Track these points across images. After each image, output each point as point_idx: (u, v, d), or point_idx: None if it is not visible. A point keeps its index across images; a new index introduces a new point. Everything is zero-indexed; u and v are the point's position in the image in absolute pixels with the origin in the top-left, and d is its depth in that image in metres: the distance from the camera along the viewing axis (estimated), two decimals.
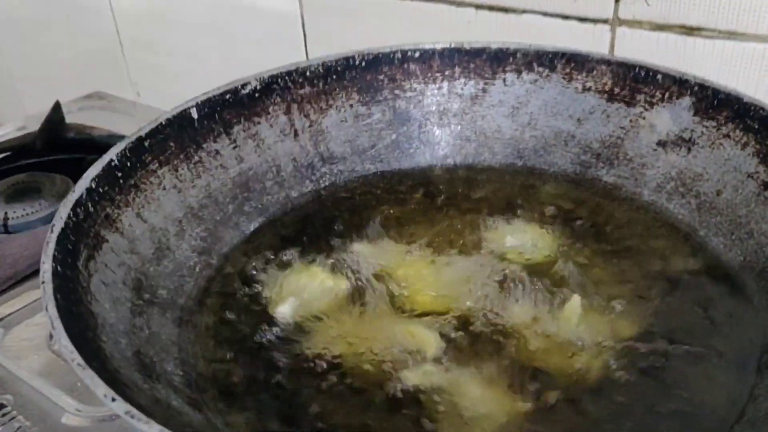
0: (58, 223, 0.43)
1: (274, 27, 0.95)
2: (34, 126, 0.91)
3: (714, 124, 0.54)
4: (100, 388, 0.32)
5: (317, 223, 0.58)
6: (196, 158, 0.55)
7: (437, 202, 0.60)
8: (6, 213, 0.76)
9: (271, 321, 0.48)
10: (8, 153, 0.87)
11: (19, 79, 1.41)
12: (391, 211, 0.59)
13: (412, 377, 0.43)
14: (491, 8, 0.76)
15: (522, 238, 0.55)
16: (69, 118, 0.95)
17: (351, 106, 0.62)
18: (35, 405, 0.55)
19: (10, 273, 0.67)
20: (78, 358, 0.34)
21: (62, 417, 0.54)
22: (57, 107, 0.90)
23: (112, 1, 1.13)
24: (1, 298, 0.65)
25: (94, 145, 0.88)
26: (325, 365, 0.45)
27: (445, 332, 0.46)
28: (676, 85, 0.56)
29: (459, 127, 0.64)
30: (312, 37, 0.92)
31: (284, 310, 0.49)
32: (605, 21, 0.70)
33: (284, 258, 0.54)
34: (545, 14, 0.73)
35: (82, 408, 0.54)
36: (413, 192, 0.61)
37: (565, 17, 0.72)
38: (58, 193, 0.79)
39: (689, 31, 0.66)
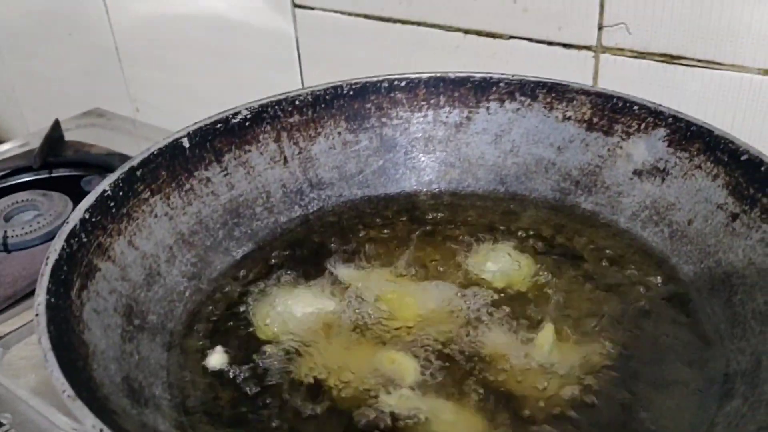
0: (53, 255, 0.45)
1: (269, 46, 0.97)
2: (37, 143, 0.93)
3: (687, 155, 0.56)
4: (89, 419, 0.34)
5: (305, 248, 0.60)
6: (188, 186, 0.57)
7: (422, 227, 0.62)
8: (5, 231, 0.78)
9: (258, 346, 0.50)
10: (8, 171, 0.89)
11: (22, 97, 1.44)
12: (377, 236, 0.60)
13: (391, 402, 0.45)
14: (479, 33, 0.78)
15: (502, 264, 0.57)
16: (68, 136, 0.97)
17: (339, 133, 0.64)
18: (33, 424, 0.57)
19: (10, 292, 0.69)
20: (69, 390, 0.36)
21: None
22: (56, 126, 0.93)
23: (111, 19, 1.16)
24: (1, 317, 0.67)
25: (92, 163, 0.90)
26: (309, 390, 0.47)
27: (423, 358, 0.48)
28: (651, 117, 0.58)
29: (444, 154, 0.66)
30: (306, 57, 0.94)
31: (214, 361, 0.50)
32: (589, 48, 0.72)
33: (272, 282, 0.56)
34: (531, 40, 0.75)
35: (78, 427, 0.56)
36: (399, 217, 0.63)
37: (550, 43, 0.74)
38: (57, 212, 0.81)
39: (670, 59, 0.68)
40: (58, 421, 0.57)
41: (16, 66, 1.40)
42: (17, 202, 0.83)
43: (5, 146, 1.03)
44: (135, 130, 1.08)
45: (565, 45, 0.73)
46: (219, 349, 0.50)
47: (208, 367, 0.49)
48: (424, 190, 0.65)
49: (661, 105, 0.58)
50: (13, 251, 0.77)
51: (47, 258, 0.44)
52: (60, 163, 0.91)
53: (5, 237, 0.77)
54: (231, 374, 0.48)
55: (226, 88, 1.05)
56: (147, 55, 1.16)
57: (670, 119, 0.57)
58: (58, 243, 0.46)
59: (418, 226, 0.62)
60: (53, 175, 0.90)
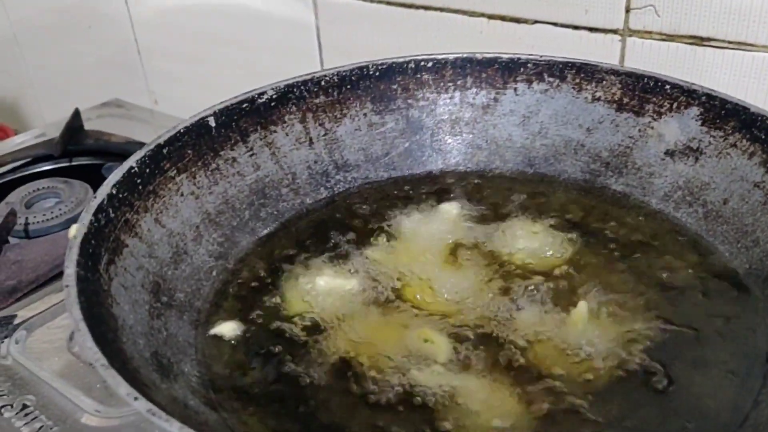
0: (81, 228, 0.44)
1: (289, 36, 0.97)
2: (53, 133, 0.93)
3: (721, 133, 0.55)
4: (123, 388, 0.34)
5: (331, 229, 0.59)
6: (214, 165, 0.57)
7: (450, 209, 0.61)
8: (27, 218, 0.77)
9: (286, 323, 0.50)
10: (29, 159, 0.89)
11: (40, 88, 1.44)
12: (404, 217, 0.60)
13: (423, 380, 0.44)
14: (503, 18, 0.77)
15: (532, 244, 0.56)
16: (88, 126, 0.97)
17: (365, 114, 0.64)
18: (56, 405, 0.57)
19: (32, 277, 0.69)
20: (102, 359, 0.35)
21: (82, 417, 0.56)
22: (76, 114, 0.92)
23: (131, 11, 1.16)
24: (23, 302, 0.67)
25: (111, 151, 0.90)
26: (337, 367, 0.46)
27: (455, 336, 0.47)
28: (684, 95, 0.57)
29: (471, 136, 0.65)
30: (327, 46, 0.94)
31: (223, 329, 0.50)
32: (615, 31, 0.71)
33: (299, 262, 0.55)
34: (556, 24, 0.74)
35: (101, 409, 0.55)
36: (426, 199, 0.62)
37: (576, 27, 0.73)
38: (77, 199, 0.80)
39: (699, 41, 0.67)
40: (82, 404, 0.56)
41: (35, 59, 1.40)
42: (38, 189, 0.83)
43: (23, 136, 1.03)
44: (154, 120, 1.08)
45: (591, 29, 0.72)
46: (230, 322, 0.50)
47: (218, 335, 0.49)
48: (451, 171, 0.64)
49: (693, 84, 0.57)
50: (34, 237, 0.76)
51: (77, 231, 0.44)
52: (80, 151, 0.91)
53: (27, 224, 0.77)
54: (260, 351, 0.47)
55: (245, 79, 1.04)
56: (166, 47, 1.15)
57: (704, 97, 0.56)
58: (86, 217, 0.45)
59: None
60: (73, 163, 0.90)
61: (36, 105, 1.47)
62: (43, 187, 0.83)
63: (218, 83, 1.07)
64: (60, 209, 0.79)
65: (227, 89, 0.61)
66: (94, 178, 0.83)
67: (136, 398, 0.33)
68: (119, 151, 0.89)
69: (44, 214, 0.78)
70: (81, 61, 1.30)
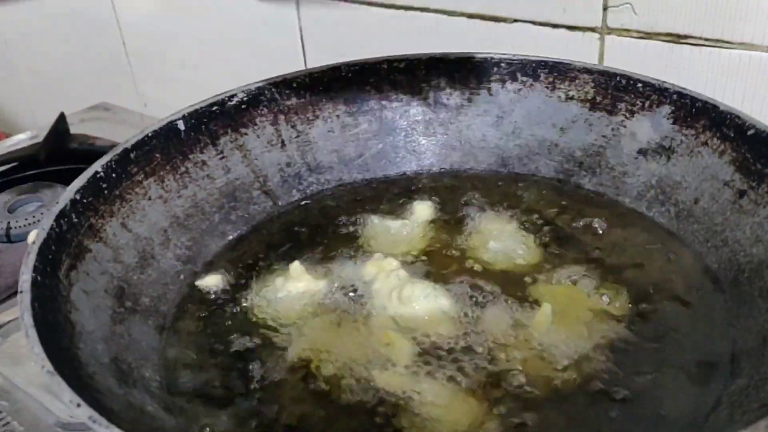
0: (41, 234, 0.44)
1: (274, 37, 0.97)
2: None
3: (692, 132, 0.55)
4: (66, 394, 0.34)
5: (303, 232, 0.59)
6: (183, 169, 0.57)
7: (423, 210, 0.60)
8: (9, 222, 0.78)
9: (251, 326, 0.49)
10: (14, 163, 0.89)
11: (31, 92, 1.44)
12: (377, 220, 0.59)
13: (384, 383, 0.44)
14: (483, 17, 0.77)
15: (504, 244, 0.56)
16: (75, 129, 0.97)
17: (338, 116, 0.64)
18: (29, 411, 0.57)
19: (11, 282, 0.69)
20: (48, 365, 0.35)
21: (55, 423, 0.56)
22: (61, 119, 0.92)
23: (118, 16, 1.16)
24: (1, 306, 0.67)
25: (97, 155, 0.90)
26: (301, 370, 0.46)
27: (418, 339, 0.47)
28: (655, 94, 0.57)
29: (445, 137, 0.65)
30: (310, 46, 0.93)
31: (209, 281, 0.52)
32: (594, 29, 0.71)
33: (268, 265, 0.55)
34: (535, 23, 0.74)
35: (75, 415, 0.55)
36: (400, 200, 0.62)
37: (555, 26, 0.73)
38: None
39: (676, 38, 0.67)
40: (55, 409, 0.56)
41: (26, 63, 1.41)
42: (21, 194, 0.83)
43: (13, 139, 1.03)
44: (143, 123, 1.08)
45: (569, 27, 0.72)
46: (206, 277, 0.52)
47: (196, 293, 0.51)
48: (425, 172, 0.64)
49: (665, 82, 0.57)
50: (15, 242, 0.77)
51: (36, 236, 0.44)
52: (65, 155, 0.91)
53: (8, 228, 0.77)
54: (224, 355, 0.47)
55: (233, 81, 1.04)
56: (154, 51, 1.15)
57: (675, 96, 0.56)
58: (47, 222, 0.45)
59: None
60: (58, 167, 0.90)
61: (28, 109, 1.47)
62: (26, 192, 0.83)
63: (206, 86, 1.07)
64: (42, 213, 0.79)
65: (215, 91, 0.61)
66: None
67: (78, 405, 0.33)
68: (104, 155, 0.89)
69: (26, 219, 0.79)
70: (71, 65, 1.30)
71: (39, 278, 0.42)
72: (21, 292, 0.40)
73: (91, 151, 0.91)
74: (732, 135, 0.52)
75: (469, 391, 0.43)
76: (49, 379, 0.34)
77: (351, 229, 0.58)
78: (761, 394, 0.38)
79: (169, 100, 1.18)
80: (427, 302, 0.50)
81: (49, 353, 0.36)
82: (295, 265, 0.53)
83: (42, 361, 0.35)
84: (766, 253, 0.47)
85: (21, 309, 0.39)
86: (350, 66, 0.63)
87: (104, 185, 0.51)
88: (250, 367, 0.46)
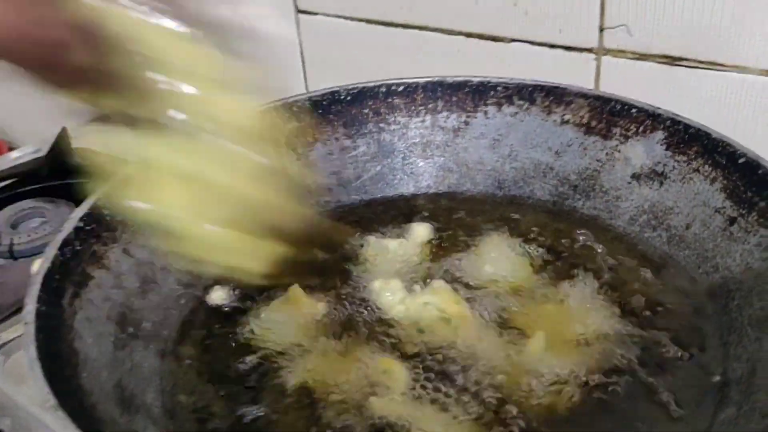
0: (45, 264, 0.45)
1: (274, 52, 0.97)
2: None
3: (685, 158, 0.55)
4: (70, 429, 0.34)
5: (302, 254, 0.59)
6: None
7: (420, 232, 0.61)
8: (12, 239, 0.78)
9: (250, 350, 0.50)
10: (16, 179, 0.90)
11: (34, 103, 1.45)
12: (375, 241, 0.60)
13: (381, 409, 0.45)
14: (481, 36, 0.78)
15: (500, 267, 0.56)
16: (77, 143, 0.98)
17: (337, 139, 0.65)
18: (31, 431, 0.57)
19: (13, 300, 0.69)
20: (52, 400, 0.36)
21: None
22: (63, 133, 0.93)
23: None
24: (3, 325, 0.68)
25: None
26: (300, 396, 0.47)
27: (415, 366, 0.48)
28: (649, 119, 0.58)
29: (442, 159, 0.66)
30: (309, 62, 0.94)
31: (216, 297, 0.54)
32: (590, 50, 0.71)
33: (268, 289, 0.56)
34: (533, 43, 0.75)
35: None
36: (398, 221, 0.62)
37: (552, 46, 0.73)
38: (63, 219, 0.81)
39: (671, 60, 0.67)
40: (58, 428, 0.57)
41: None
42: (24, 209, 0.84)
43: (18, 152, 1.03)
44: None
45: (566, 47, 0.73)
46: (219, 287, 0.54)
47: (209, 303, 0.53)
48: (423, 194, 0.65)
49: (659, 108, 0.58)
50: (19, 258, 0.77)
51: (40, 265, 0.45)
52: (68, 170, 0.92)
53: (11, 244, 0.78)
54: (225, 379, 0.48)
55: None
56: None
57: (668, 122, 0.57)
58: (51, 251, 0.46)
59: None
60: (61, 182, 0.91)
61: (31, 121, 1.48)
62: (29, 207, 0.84)
63: None
64: (44, 229, 0.80)
65: None
66: (81, 197, 0.84)
67: None
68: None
69: (29, 235, 0.79)
70: None
71: (43, 308, 0.43)
72: (26, 323, 0.41)
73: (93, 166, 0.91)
74: (723, 162, 0.53)
75: (465, 417, 0.44)
76: (53, 413, 0.35)
77: (350, 251, 0.59)
78: (750, 424, 0.39)
79: None
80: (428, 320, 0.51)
81: (53, 385, 0.37)
82: (294, 289, 0.53)
83: (47, 396, 0.36)
84: (756, 280, 0.48)
85: (25, 342, 0.40)
86: (349, 90, 0.64)
87: (106, 212, 0.52)
88: (250, 392, 0.47)
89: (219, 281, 0.56)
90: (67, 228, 0.48)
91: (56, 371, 0.39)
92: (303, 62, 0.95)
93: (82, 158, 0.93)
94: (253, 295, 0.55)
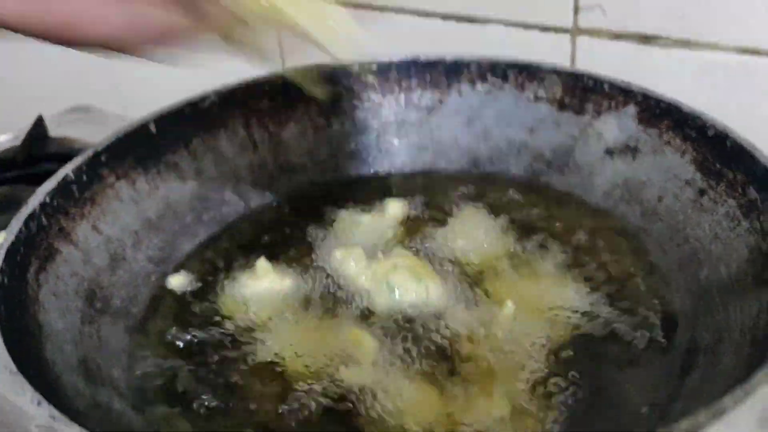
0: (9, 237, 0.45)
1: None
2: None
3: (656, 132, 0.56)
4: (28, 393, 0.34)
5: (276, 232, 0.59)
6: (155, 171, 0.57)
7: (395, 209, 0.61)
8: None
9: (219, 325, 0.50)
10: None
11: (11, 92, 1.44)
12: (349, 219, 0.60)
13: (349, 379, 0.45)
14: (458, 19, 0.78)
15: (473, 242, 0.56)
16: (54, 132, 0.97)
17: (310, 118, 0.64)
18: (6, 415, 0.57)
19: None
20: (11, 365, 0.35)
21: (31, 426, 0.56)
22: (39, 121, 0.92)
23: None
24: None
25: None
26: (268, 368, 0.46)
27: (384, 336, 0.48)
28: (621, 95, 0.58)
29: (416, 137, 0.65)
30: (288, 49, 0.94)
31: (175, 282, 0.54)
32: (566, 30, 0.71)
33: (238, 265, 0.55)
34: (508, 24, 0.75)
35: (56, 415, 0.56)
36: (372, 199, 0.62)
37: (527, 27, 0.73)
38: None
39: (645, 39, 0.68)
40: (30, 409, 0.56)
41: (5, 63, 1.40)
42: None
43: None
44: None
45: (542, 28, 0.73)
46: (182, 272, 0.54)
47: (167, 294, 0.53)
48: (397, 173, 0.65)
49: (631, 83, 0.58)
50: None
51: (4, 240, 0.44)
52: (44, 158, 0.91)
53: None
54: (193, 354, 0.48)
55: (215, 85, 1.05)
56: None
57: (640, 97, 0.57)
58: (15, 225, 0.46)
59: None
60: (37, 170, 0.90)
61: (7, 110, 1.47)
62: (4, 195, 0.83)
63: (188, 88, 1.07)
64: None
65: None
66: None
67: (39, 403, 0.33)
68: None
69: (3, 222, 0.78)
70: (50, 66, 1.30)
71: (6, 280, 0.42)
72: None
73: (70, 155, 0.91)
74: (693, 135, 0.53)
75: (434, 386, 0.44)
76: (11, 378, 0.35)
77: (322, 226, 0.59)
78: (714, 388, 0.39)
79: (151, 103, 1.19)
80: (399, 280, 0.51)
81: (14, 354, 0.37)
82: (261, 262, 0.53)
83: (5, 362, 0.36)
84: (724, 250, 0.48)
85: None
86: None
87: (75, 188, 0.52)
88: (217, 365, 0.47)
89: (184, 265, 0.55)
90: (33, 202, 0.48)
91: (18, 341, 0.39)
92: (281, 50, 0.94)
93: (58, 146, 0.93)
94: (223, 271, 0.55)
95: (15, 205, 0.81)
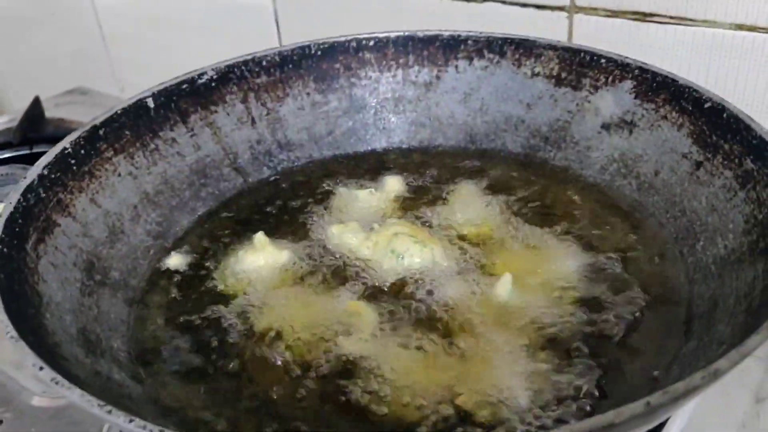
0: (7, 208, 0.45)
1: (249, 21, 0.97)
2: None
3: (653, 106, 0.56)
4: (29, 358, 0.34)
5: (273, 207, 0.59)
6: (153, 146, 0.57)
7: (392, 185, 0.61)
8: None
9: (219, 298, 0.50)
10: None
11: (8, 76, 1.44)
12: (347, 194, 0.60)
13: (347, 349, 0.45)
14: None
15: (470, 216, 0.56)
16: (51, 113, 0.97)
17: (308, 94, 0.64)
18: (3, 388, 0.57)
19: None
20: (12, 331, 0.36)
21: (30, 399, 0.56)
22: (36, 102, 0.92)
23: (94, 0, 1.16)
24: None
25: None
26: (268, 340, 0.46)
27: (384, 308, 0.48)
28: (618, 69, 0.58)
29: (414, 114, 0.65)
30: (285, 29, 0.94)
31: (173, 261, 0.54)
32: (562, 8, 0.71)
33: (238, 240, 0.56)
34: (505, 2, 0.75)
35: (59, 379, 0.56)
36: (370, 176, 0.62)
37: (524, 5, 0.74)
38: None
39: (642, 17, 0.68)
40: (30, 385, 0.57)
41: (2, 46, 1.40)
42: None
43: None
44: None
45: (538, 6, 0.73)
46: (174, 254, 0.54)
47: (167, 268, 0.53)
48: (395, 149, 0.65)
49: (627, 57, 0.58)
50: None
51: (3, 210, 0.44)
52: (40, 139, 0.91)
53: None
54: (193, 327, 0.48)
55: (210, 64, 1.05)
56: (131, 34, 1.15)
57: (637, 71, 0.57)
58: (14, 196, 0.46)
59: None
60: (34, 151, 0.90)
61: (4, 92, 1.47)
62: (1, 174, 0.83)
63: (184, 69, 1.07)
64: None
65: None
66: None
67: (41, 368, 0.34)
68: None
69: (1, 201, 0.79)
70: (48, 49, 1.30)
71: (5, 250, 0.42)
72: None
73: (66, 135, 0.91)
74: (690, 108, 0.53)
75: (431, 356, 0.44)
76: (13, 345, 0.35)
77: (320, 202, 0.59)
78: (708, 353, 0.39)
79: (147, 84, 1.19)
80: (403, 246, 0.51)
81: (14, 321, 0.37)
82: (259, 236, 0.53)
83: (6, 328, 0.36)
84: (720, 221, 0.48)
85: None
86: (319, 44, 0.63)
87: (73, 161, 0.52)
88: (217, 337, 0.47)
89: (183, 239, 0.56)
90: (31, 175, 0.48)
91: (18, 309, 0.39)
92: (278, 30, 0.94)
93: (54, 127, 0.93)
94: (221, 246, 0.55)
95: (12, 183, 0.81)
